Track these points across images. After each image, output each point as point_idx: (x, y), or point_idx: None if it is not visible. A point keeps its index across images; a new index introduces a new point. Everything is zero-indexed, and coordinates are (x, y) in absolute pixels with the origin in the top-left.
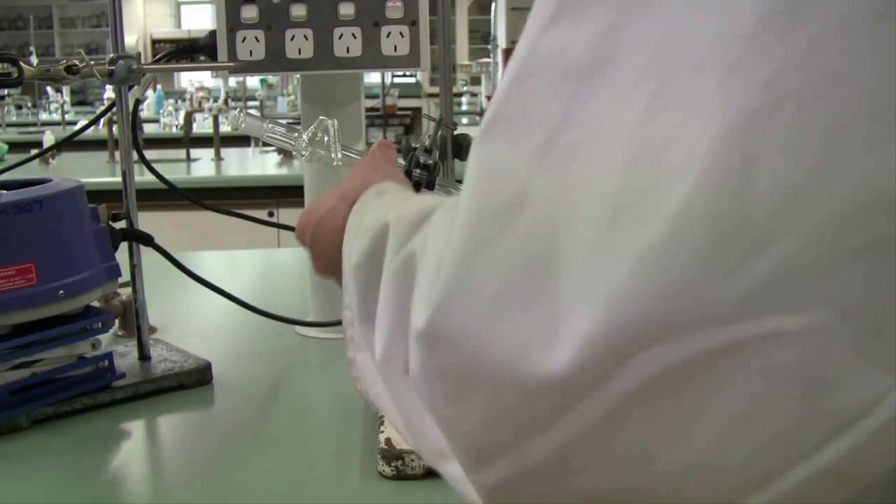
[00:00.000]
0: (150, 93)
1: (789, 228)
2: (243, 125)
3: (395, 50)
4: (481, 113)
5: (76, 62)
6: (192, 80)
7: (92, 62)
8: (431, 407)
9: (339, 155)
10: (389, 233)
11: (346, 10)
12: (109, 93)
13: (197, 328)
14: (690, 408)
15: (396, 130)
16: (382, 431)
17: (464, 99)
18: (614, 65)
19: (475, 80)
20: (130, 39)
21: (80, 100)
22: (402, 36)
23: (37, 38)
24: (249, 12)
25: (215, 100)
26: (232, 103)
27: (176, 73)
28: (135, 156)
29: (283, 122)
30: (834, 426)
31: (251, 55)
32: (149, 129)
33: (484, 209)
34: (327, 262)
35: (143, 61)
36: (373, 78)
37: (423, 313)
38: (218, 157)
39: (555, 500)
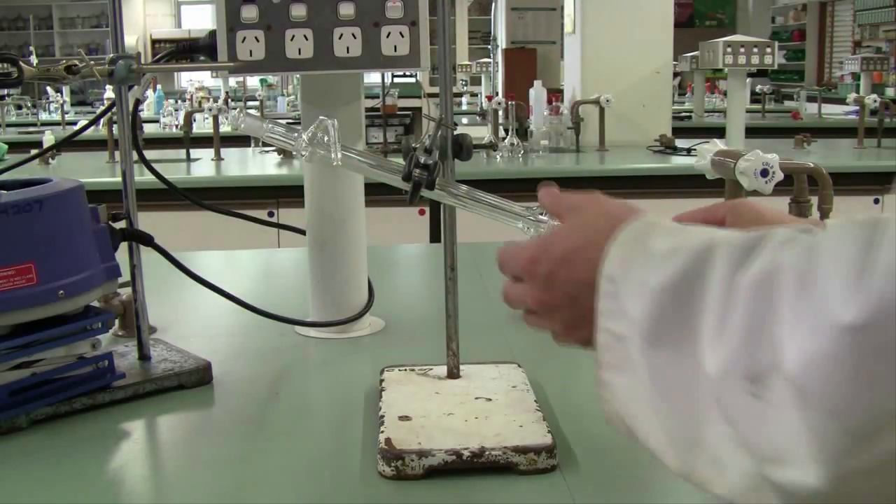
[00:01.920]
0: (150, 93)
1: None
2: (243, 125)
3: (395, 50)
4: (481, 113)
5: (76, 62)
6: (192, 80)
7: (92, 62)
8: (827, 394)
9: (339, 155)
10: (717, 254)
11: (346, 10)
12: (109, 93)
13: (197, 328)
14: None
15: (396, 130)
16: (382, 431)
17: (464, 99)
18: None
19: (475, 80)
20: (130, 39)
21: (80, 100)
22: (402, 36)
23: (37, 38)
24: (249, 12)
25: (215, 100)
26: (232, 103)
27: (176, 73)
28: (135, 156)
29: (283, 122)
30: None
31: (251, 55)
32: (149, 129)
33: None
34: (567, 294)
35: (143, 61)
36: (373, 78)
37: (851, 306)
38: (218, 157)
39: None
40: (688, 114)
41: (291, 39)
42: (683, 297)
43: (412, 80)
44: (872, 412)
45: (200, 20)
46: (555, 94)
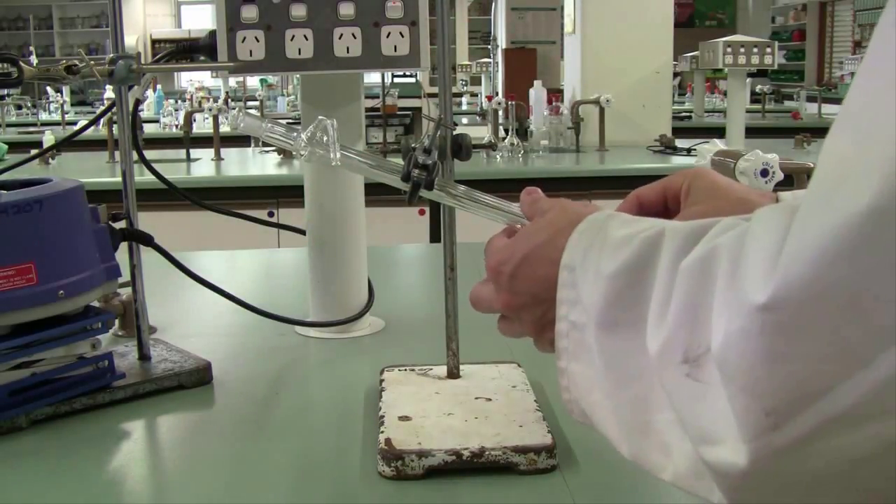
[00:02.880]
0: (150, 93)
1: None
2: (242, 125)
3: (395, 50)
4: (481, 113)
5: (76, 62)
6: (192, 80)
7: (92, 62)
8: (742, 372)
9: (339, 155)
10: (665, 241)
11: (346, 10)
12: (109, 93)
13: (197, 328)
14: None
15: (396, 130)
16: (382, 432)
17: (464, 99)
18: None
19: (475, 80)
20: (130, 39)
21: (80, 100)
22: (402, 36)
23: (37, 38)
24: (249, 12)
25: (215, 100)
26: (232, 103)
27: (176, 73)
28: (135, 156)
29: (283, 122)
30: None
31: (251, 55)
32: (149, 129)
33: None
34: (530, 292)
35: (143, 61)
36: (373, 78)
37: (762, 288)
38: (218, 157)
39: (847, 453)
40: (688, 114)
41: (291, 39)
42: (634, 283)
43: (412, 80)
44: (787, 390)
45: (200, 20)
46: (555, 94)
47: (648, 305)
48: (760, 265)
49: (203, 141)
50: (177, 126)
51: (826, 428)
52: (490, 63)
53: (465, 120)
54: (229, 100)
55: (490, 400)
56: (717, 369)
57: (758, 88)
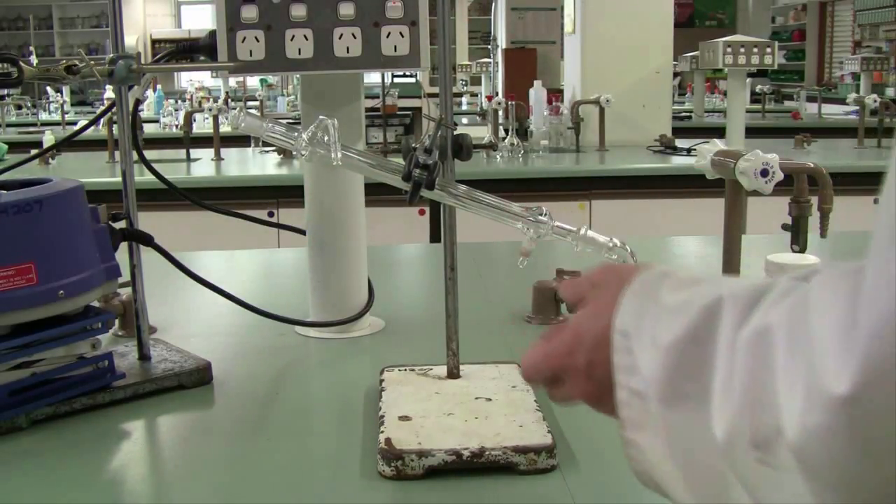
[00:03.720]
0: (150, 93)
1: None
2: (243, 124)
3: (395, 50)
4: (481, 113)
5: (76, 62)
6: (192, 80)
7: (92, 62)
8: (831, 469)
9: (339, 154)
10: (724, 310)
11: (346, 10)
12: (109, 93)
13: (197, 328)
14: None
15: (396, 130)
16: (382, 431)
17: (464, 99)
18: None
19: (475, 80)
20: (130, 39)
21: (80, 100)
22: (402, 36)
23: (37, 38)
24: (249, 12)
25: (215, 100)
26: (232, 103)
27: (176, 73)
28: (135, 156)
29: (284, 121)
30: None
31: (251, 55)
32: (149, 129)
33: None
34: (587, 369)
35: (143, 61)
36: (373, 78)
37: (843, 377)
38: (218, 157)
39: None
40: (688, 114)
41: (291, 39)
42: (694, 356)
43: (412, 80)
44: (877, 482)
45: (200, 20)
46: (555, 94)
47: (711, 382)
48: (832, 348)
49: (203, 141)
50: (177, 126)
51: None
52: (490, 63)
53: (465, 120)
54: (229, 100)
55: (490, 400)
56: (796, 460)
57: (758, 88)
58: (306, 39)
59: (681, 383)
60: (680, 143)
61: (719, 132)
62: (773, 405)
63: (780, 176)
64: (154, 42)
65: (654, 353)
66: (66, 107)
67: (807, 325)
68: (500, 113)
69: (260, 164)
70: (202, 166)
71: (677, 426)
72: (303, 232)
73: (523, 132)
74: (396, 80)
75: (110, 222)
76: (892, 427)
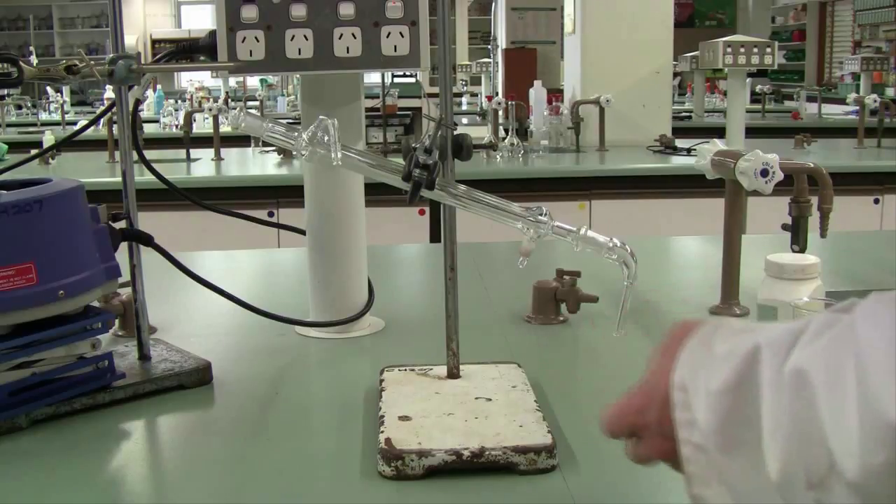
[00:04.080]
0: (150, 93)
1: None
2: (243, 124)
3: (395, 50)
4: (481, 113)
5: (76, 62)
6: (192, 80)
7: (92, 62)
8: (890, 498)
9: (339, 154)
10: (763, 355)
11: (346, 10)
12: (109, 93)
13: (197, 328)
14: None
15: (396, 130)
16: (382, 431)
17: (464, 99)
18: None
19: (475, 80)
20: (130, 39)
21: (80, 100)
22: (402, 36)
23: (37, 38)
24: (249, 12)
25: (215, 100)
26: (232, 103)
27: (176, 73)
28: (135, 156)
29: (284, 121)
30: None
31: (251, 55)
32: (149, 129)
33: None
34: (659, 427)
35: (143, 61)
36: (373, 78)
37: None
38: (218, 157)
39: None
40: (688, 114)
41: (291, 39)
42: (740, 402)
43: (412, 80)
44: None
45: (200, 20)
46: (555, 94)
47: (760, 425)
48: (884, 377)
49: (203, 141)
50: (177, 126)
51: None
52: (490, 63)
53: (465, 120)
54: (229, 100)
55: (490, 400)
56: (856, 494)
57: (758, 88)
58: (306, 39)
59: (733, 430)
60: (680, 143)
61: (719, 132)
62: (822, 441)
63: (780, 176)
64: (154, 42)
65: (707, 403)
66: (66, 107)
67: (851, 361)
68: (500, 113)
69: (260, 164)
70: (202, 166)
71: (736, 474)
72: (303, 232)
73: (523, 132)
74: (396, 80)
75: (110, 222)
76: None
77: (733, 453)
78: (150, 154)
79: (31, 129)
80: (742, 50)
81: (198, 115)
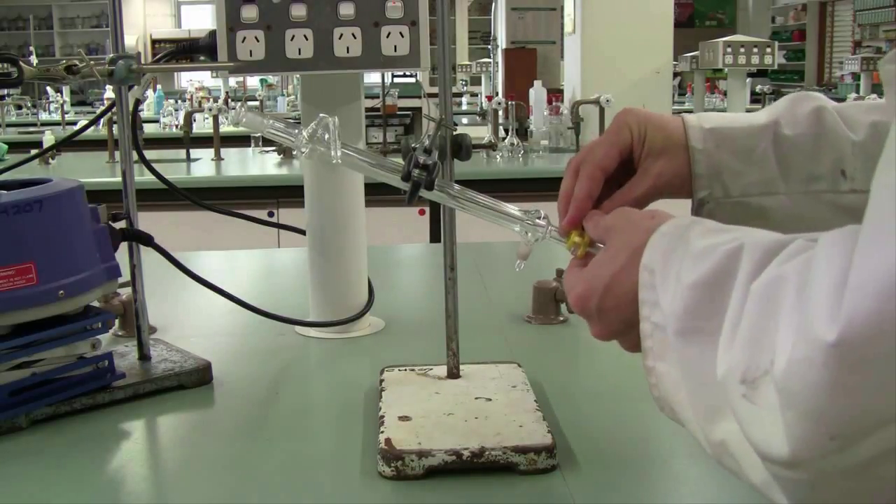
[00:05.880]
0: (150, 93)
1: None
2: (244, 120)
3: (395, 50)
4: (481, 113)
5: (76, 62)
6: (192, 80)
7: (92, 62)
8: (805, 399)
9: (339, 153)
10: (744, 256)
11: (346, 10)
12: (109, 93)
13: (197, 328)
14: None
15: (396, 130)
16: (382, 432)
17: (464, 99)
18: None
19: (475, 80)
20: (130, 39)
21: (80, 100)
22: (402, 36)
23: (37, 38)
24: (249, 12)
25: (215, 100)
26: (232, 103)
27: (176, 73)
28: (135, 156)
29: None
30: None
31: (251, 55)
32: (149, 129)
33: None
34: (620, 319)
35: (143, 61)
36: (373, 78)
37: (829, 324)
38: (218, 157)
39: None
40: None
41: (291, 39)
42: (711, 297)
43: (412, 80)
44: (851, 418)
45: (200, 20)
46: (555, 94)
47: (722, 322)
48: (825, 299)
49: (203, 141)
50: (177, 126)
51: (887, 455)
52: (490, 63)
53: (465, 120)
54: (229, 100)
55: (490, 400)
56: (777, 393)
57: (758, 88)
58: (306, 39)
59: (696, 321)
60: None
61: None
62: (769, 348)
63: None
64: (154, 42)
65: (676, 291)
66: (66, 107)
67: (809, 280)
68: (500, 113)
69: (260, 164)
70: (202, 166)
71: (689, 359)
72: (303, 232)
73: (523, 132)
74: (396, 80)
75: (110, 222)
76: (861, 372)
77: (689, 340)
78: (150, 154)
79: (31, 129)
80: (742, 50)
81: (198, 115)
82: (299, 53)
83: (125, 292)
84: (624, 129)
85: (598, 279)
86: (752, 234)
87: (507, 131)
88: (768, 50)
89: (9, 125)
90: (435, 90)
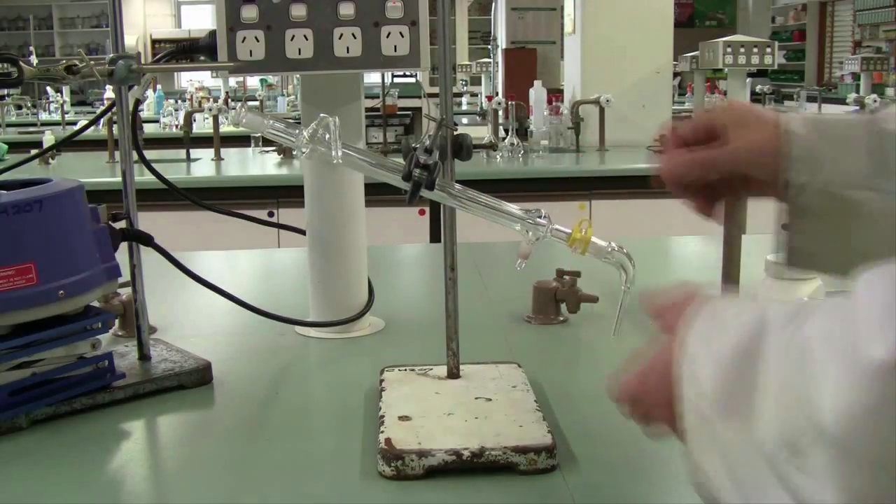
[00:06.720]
0: (150, 93)
1: None
2: (244, 120)
3: (395, 50)
4: (481, 113)
5: (76, 62)
6: (192, 80)
7: (92, 62)
8: (864, 443)
9: (340, 153)
10: (770, 323)
11: (346, 10)
12: (109, 93)
13: (197, 328)
14: None
15: (396, 130)
16: (382, 431)
17: (464, 99)
18: None
19: (475, 80)
20: (130, 39)
21: (80, 100)
22: (402, 36)
23: (37, 38)
24: (249, 12)
25: (215, 100)
26: (232, 103)
27: (176, 73)
28: (135, 156)
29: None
30: None
31: (251, 55)
32: (149, 129)
33: None
34: (663, 399)
35: (143, 61)
36: (373, 78)
37: (880, 345)
38: (218, 157)
39: None
40: (688, 114)
41: (291, 39)
42: (745, 367)
43: (412, 80)
44: None
45: (200, 20)
46: (555, 94)
47: (756, 389)
48: (870, 325)
49: (203, 141)
50: (177, 126)
51: None
52: (490, 63)
53: (465, 120)
54: (229, 100)
55: (490, 400)
56: (833, 447)
57: (758, 88)
58: (306, 39)
59: (735, 393)
60: None
61: None
62: (810, 401)
63: None
64: (154, 42)
65: (710, 369)
66: (66, 107)
67: (846, 320)
68: (500, 113)
69: (260, 164)
70: (202, 166)
71: (730, 439)
72: (303, 232)
73: (523, 132)
74: (396, 80)
75: (110, 222)
76: None
77: (731, 417)
78: (150, 154)
79: (31, 129)
80: (742, 50)
81: (198, 115)
82: (299, 53)
83: (125, 292)
84: (712, 114)
85: (637, 372)
86: (774, 305)
87: (507, 131)
88: (768, 50)
89: (9, 125)
90: (435, 90)
